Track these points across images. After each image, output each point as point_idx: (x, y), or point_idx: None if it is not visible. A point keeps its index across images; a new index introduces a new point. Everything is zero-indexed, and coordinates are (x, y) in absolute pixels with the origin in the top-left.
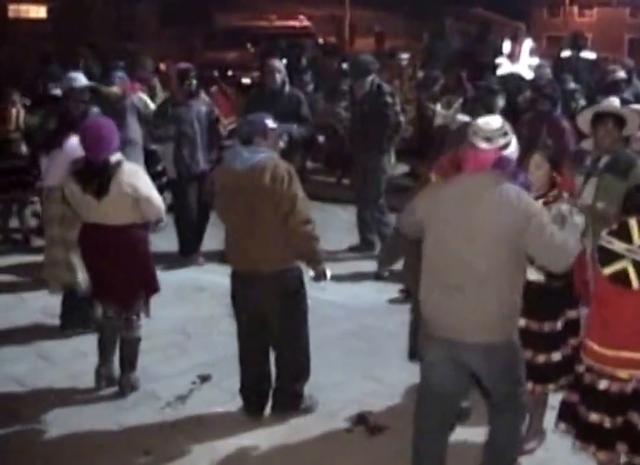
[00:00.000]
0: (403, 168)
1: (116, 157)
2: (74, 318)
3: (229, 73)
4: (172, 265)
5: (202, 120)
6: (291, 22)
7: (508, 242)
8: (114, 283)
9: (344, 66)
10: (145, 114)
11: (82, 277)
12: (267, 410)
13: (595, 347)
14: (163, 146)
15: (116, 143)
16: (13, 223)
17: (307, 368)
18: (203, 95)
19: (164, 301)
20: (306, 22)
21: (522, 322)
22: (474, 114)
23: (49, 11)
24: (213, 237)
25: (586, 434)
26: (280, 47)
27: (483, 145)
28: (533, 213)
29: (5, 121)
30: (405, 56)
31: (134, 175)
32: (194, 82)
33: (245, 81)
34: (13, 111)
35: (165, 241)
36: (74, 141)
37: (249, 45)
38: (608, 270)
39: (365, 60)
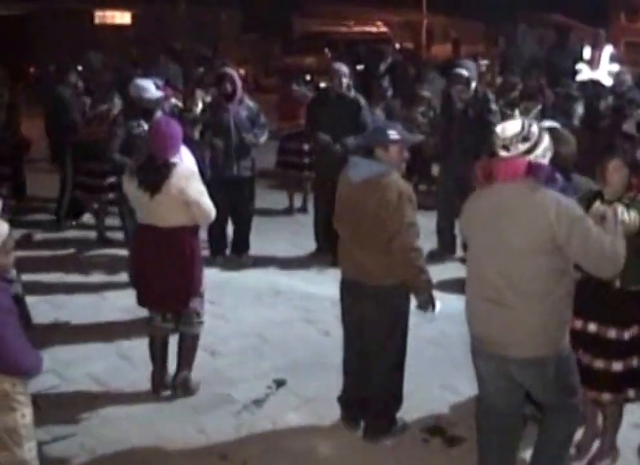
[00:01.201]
0: None
1: (174, 159)
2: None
3: (307, 78)
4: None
5: (240, 125)
6: (369, 28)
7: (548, 251)
8: (162, 286)
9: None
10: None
11: None
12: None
13: None
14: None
15: (179, 145)
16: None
17: (400, 392)
18: (247, 100)
19: (240, 304)
20: (383, 28)
21: (593, 327)
22: (554, 121)
23: (133, 17)
24: (289, 242)
25: None
26: (358, 52)
27: (502, 153)
28: (574, 219)
29: (103, 123)
30: (483, 62)
31: (185, 179)
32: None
33: (323, 85)
34: (111, 113)
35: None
36: None
37: (326, 50)
38: None
39: (467, 66)
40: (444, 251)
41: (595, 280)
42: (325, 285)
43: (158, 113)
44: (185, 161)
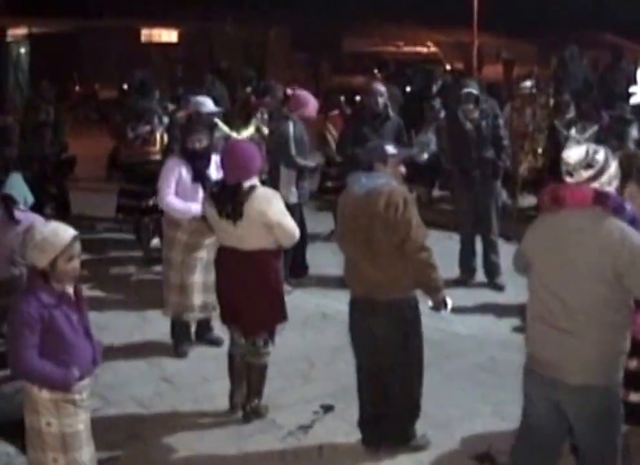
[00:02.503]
0: (531, 200)
1: (250, 182)
2: (182, 342)
3: (357, 98)
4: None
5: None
6: (419, 49)
7: (610, 281)
8: (241, 309)
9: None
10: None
11: (196, 302)
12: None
13: None
14: None
15: (254, 168)
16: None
17: (417, 406)
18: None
19: (288, 327)
20: (433, 49)
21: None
22: (607, 144)
23: (180, 36)
24: (334, 265)
25: None
26: (407, 73)
27: (568, 179)
28: (637, 249)
29: (150, 144)
30: (527, 83)
31: (265, 202)
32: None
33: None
34: (158, 133)
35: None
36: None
37: (376, 71)
38: None
39: (473, 85)
40: (463, 274)
41: None
42: None
43: (217, 134)
44: None
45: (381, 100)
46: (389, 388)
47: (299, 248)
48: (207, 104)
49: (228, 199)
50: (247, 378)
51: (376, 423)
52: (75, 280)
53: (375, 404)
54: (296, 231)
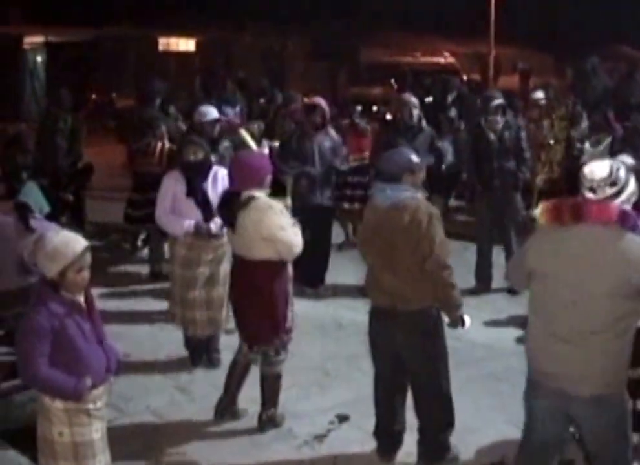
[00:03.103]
0: None
1: (250, 192)
2: (196, 352)
3: (374, 108)
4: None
5: (323, 154)
6: (436, 59)
7: (626, 297)
8: (245, 317)
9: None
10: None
11: (199, 317)
12: (401, 454)
13: None
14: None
15: (254, 179)
16: None
17: (451, 416)
18: (331, 130)
19: (304, 337)
20: (450, 59)
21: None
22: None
23: (198, 45)
24: (351, 274)
25: None
26: (425, 84)
27: (589, 195)
28: None
29: (148, 155)
30: (538, 95)
31: (261, 213)
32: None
33: (389, 117)
34: (158, 145)
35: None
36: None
37: (393, 81)
38: None
39: (497, 96)
40: (479, 285)
41: None
42: None
43: (225, 143)
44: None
45: (415, 112)
46: (419, 401)
47: (322, 255)
48: (210, 112)
49: (225, 206)
50: (261, 387)
51: (392, 433)
52: (85, 289)
53: (391, 414)
54: (294, 245)
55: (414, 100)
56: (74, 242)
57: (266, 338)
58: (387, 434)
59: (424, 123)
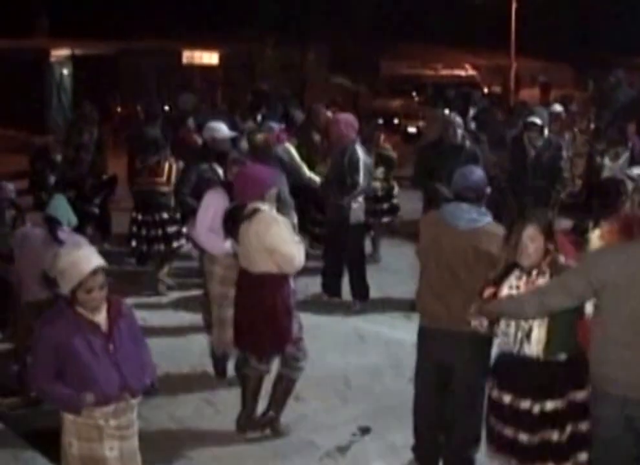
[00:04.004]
0: (566, 223)
1: (255, 205)
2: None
3: (395, 121)
4: (332, 312)
5: (368, 169)
6: (457, 72)
7: None
8: (249, 329)
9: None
10: (289, 164)
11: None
12: None
13: None
14: None
15: (256, 192)
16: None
17: (479, 434)
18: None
19: (326, 349)
20: (471, 72)
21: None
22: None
23: (221, 58)
24: (374, 286)
25: None
26: (446, 96)
27: None
28: None
29: (157, 174)
30: (557, 109)
31: (264, 225)
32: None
33: (412, 130)
34: (166, 164)
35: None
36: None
37: (414, 93)
38: None
39: (541, 114)
40: None
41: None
42: (410, 330)
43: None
44: None
45: (459, 131)
46: (454, 417)
47: (355, 270)
48: (222, 129)
49: (229, 218)
50: (274, 387)
51: (433, 451)
52: (110, 307)
53: (433, 433)
54: (295, 259)
55: (458, 120)
56: (85, 263)
57: (271, 349)
58: (429, 449)
59: (467, 142)
